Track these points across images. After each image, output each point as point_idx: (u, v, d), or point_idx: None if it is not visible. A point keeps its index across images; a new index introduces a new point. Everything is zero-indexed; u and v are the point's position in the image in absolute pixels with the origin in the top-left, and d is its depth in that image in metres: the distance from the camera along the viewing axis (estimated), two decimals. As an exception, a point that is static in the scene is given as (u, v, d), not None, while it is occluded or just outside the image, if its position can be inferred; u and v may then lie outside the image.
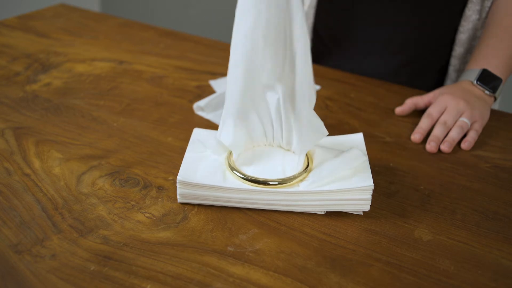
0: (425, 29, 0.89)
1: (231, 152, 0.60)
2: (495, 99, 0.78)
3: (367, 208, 0.56)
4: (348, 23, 0.94)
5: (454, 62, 0.90)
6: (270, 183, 0.56)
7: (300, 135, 0.58)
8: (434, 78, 0.95)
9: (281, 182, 0.56)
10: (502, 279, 0.50)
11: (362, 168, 0.58)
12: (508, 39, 0.78)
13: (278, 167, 0.59)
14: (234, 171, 0.57)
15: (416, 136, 0.72)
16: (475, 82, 0.77)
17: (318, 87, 0.86)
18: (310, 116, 0.57)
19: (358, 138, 0.64)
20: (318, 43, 1.01)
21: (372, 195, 0.56)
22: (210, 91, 0.85)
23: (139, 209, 0.57)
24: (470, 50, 0.89)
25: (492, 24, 0.80)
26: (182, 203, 0.58)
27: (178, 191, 0.57)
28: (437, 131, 0.72)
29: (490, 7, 0.83)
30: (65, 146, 0.67)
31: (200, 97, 0.82)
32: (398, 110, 0.79)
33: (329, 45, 1.00)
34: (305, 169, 0.57)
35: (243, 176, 0.56)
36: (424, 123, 0.74)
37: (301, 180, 0.57)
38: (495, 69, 0.77)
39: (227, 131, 0.59)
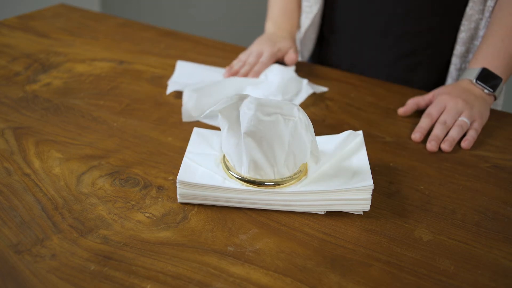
0: (424, 22, 0.90)
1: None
2: (495, 98, 0.78)
3: (367, 208, 0.56)
4: (348, 13, 0.95)
5: (455, 60, 0.90)
6: (266, 184, 0.56)
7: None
8: (436, 76, 0.95)
9: (277, 183, 0.56)
10: (501, 279, 0.50)
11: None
12: (510, 39, 0.78)
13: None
14: (230, 172, 0.57)
15: (416, 135, 0.72)
16: (474, 81, 0.77)
17: (325, 89, 0.86)
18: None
19: (358, 138, 0.64)
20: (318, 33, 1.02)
21: (372, 195, 0.56)
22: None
23: (139, 209, 0.57)
24: (471, 49, 0.89)
25: (494, 23, 0.80)
26: (182, 203, 0.58)
27: (178, 191, 0.57)
28: (437, 131, 0.72)
29: (493, 7, 0.83)
30: (65, 146, 0.67)
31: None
32: (401, 111, 0.79)
33: (327, 35, 1.01)
34: (303, 170, 0.57)
35: (238, 177, 0.56)
36: (424, 122, 0.74)
37: (298, 179, 0.56)
38: (496, 69, 0.77)
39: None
